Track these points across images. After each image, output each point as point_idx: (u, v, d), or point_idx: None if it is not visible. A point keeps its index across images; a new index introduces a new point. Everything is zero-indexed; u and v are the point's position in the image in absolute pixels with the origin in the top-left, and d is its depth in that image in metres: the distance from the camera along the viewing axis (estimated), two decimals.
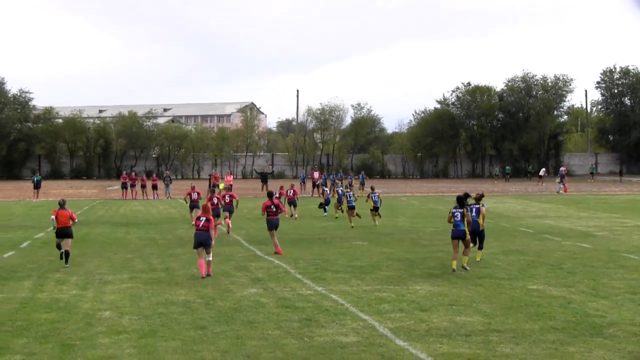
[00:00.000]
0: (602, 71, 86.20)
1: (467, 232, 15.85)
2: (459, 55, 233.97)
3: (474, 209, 16.88)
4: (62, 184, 64.95)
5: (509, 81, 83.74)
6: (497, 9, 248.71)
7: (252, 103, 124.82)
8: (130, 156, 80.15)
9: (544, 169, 66.79)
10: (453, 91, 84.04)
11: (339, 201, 29.71)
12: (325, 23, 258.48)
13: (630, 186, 58.76)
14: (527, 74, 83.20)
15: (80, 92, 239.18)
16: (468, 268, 15.83)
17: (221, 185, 42.93)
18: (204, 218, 15.68)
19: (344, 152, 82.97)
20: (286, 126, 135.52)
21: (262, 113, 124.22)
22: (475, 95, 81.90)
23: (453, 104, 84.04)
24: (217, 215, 22.85)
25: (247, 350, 9.51)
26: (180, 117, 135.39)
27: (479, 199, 17.38)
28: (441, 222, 26.16)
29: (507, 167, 71.43)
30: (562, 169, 55.98)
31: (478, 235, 17.06)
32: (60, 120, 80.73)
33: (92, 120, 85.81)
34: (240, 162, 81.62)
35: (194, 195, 26.72)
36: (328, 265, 16.88)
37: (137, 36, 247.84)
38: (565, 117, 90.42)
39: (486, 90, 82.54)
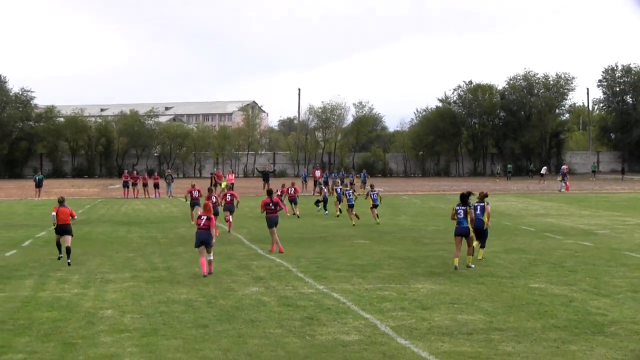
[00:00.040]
0: (603, 69, 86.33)
1: (471, 229, 15.95)
2: (461, 54, 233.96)
3: (478, 207, 16.96)
4: (64, 182, 64.97)
5: (510, 79, 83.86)
6: (498, 8, 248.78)
7: (254, 102, 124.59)
8: (131, 155, 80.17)
9: (545, 167, 66.82)
10: (455, 89, 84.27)
11: (339, 199, 29.73)
12: (326, 21, 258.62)
13: (632, 184, 58.66)
14: (528, 72, 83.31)
15: (82, 91, 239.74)
16: (473, 266, 15.88)
17: (223, 184, 43.00)
18: (205, 217, 15.71)
19: (345, 150, 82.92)
20: (288, 125, 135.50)
21: (264, 112, 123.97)
22: (477, 94, 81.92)
23: (455, 102, 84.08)
24: (216, 214, 22.85)
25: (249, 348, 9.51)
26: (182, 115, 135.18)
27: (482, 198, 17.41)
28: (443, 220, 26.18)
29: (509, 166, 71.47)
30: (563, 167, 55.95)
31: (481, 233, 17.10)
32: (62, 119, 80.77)
33: (93, 119, 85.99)
34: (242, 161, 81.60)
35: (195, 194, 26.78)
36: (329, 263, 16.88)
37: (138, 35, 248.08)
38: (567, 115, 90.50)
39: (488, 89, 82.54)
